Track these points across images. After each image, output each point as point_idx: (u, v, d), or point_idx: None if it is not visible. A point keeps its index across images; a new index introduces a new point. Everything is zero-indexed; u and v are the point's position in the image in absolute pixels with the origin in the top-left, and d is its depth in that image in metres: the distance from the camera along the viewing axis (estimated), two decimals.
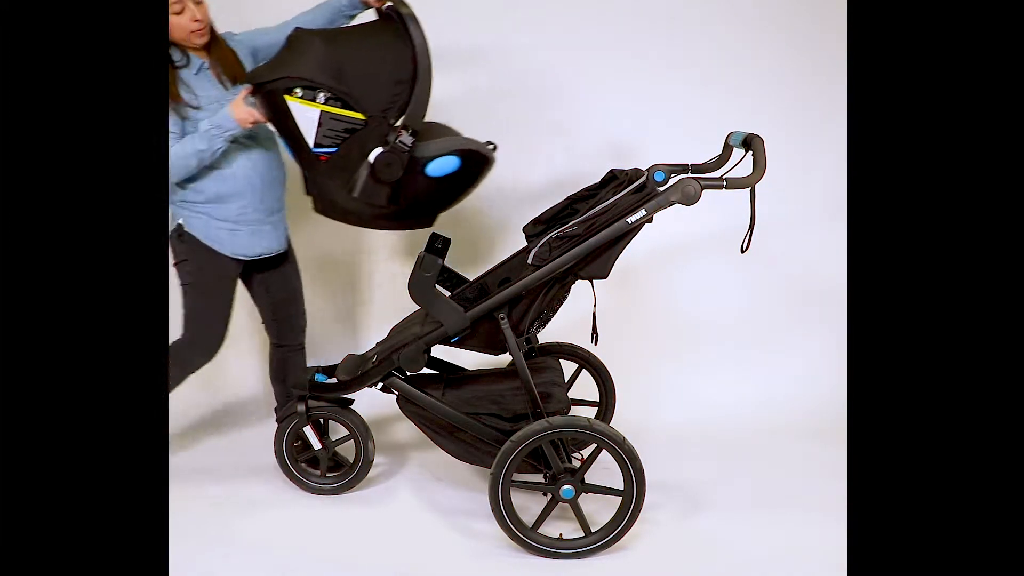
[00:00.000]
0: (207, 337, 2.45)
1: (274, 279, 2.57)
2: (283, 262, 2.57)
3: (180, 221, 2.36)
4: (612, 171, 2.33)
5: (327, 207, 2.23)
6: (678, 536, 2.21)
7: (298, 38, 2.11)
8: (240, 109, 2.17)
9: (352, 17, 2.46)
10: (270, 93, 2.05)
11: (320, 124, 2.03)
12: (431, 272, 2.16)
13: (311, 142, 2.05)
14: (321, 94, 2.01)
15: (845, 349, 2.86)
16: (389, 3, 2.19)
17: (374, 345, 2.47)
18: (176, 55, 2.26)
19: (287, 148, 2.14)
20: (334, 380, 2.40)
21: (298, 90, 2.01)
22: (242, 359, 3.21)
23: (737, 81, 3.11)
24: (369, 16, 2.41)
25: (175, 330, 2.99)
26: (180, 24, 2.19)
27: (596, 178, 2.38)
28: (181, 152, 2.20)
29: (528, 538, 2.10)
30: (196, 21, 2.20)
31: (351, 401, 2.47)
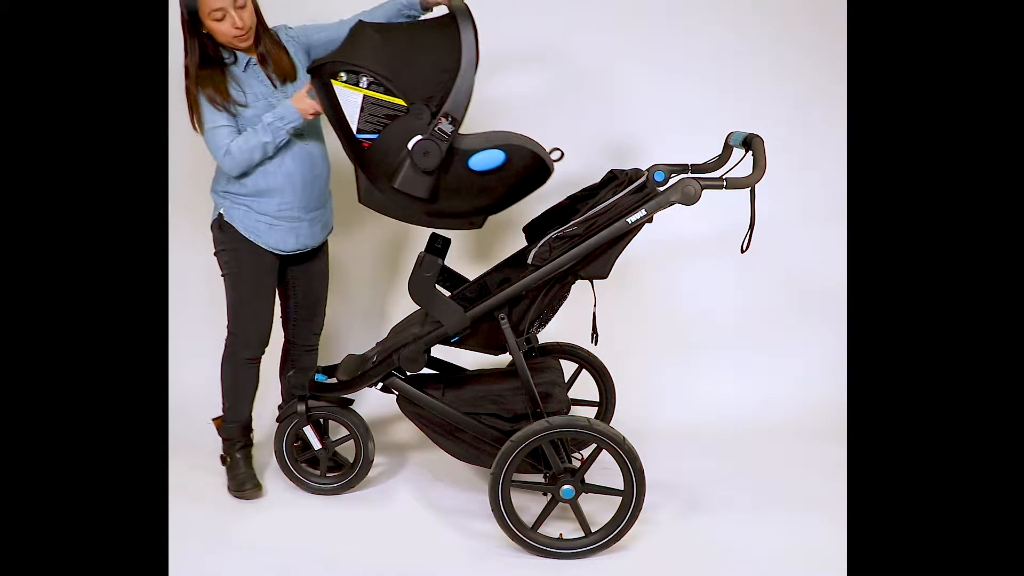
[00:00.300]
0: (248, 328, 2.45)
1: (303, 279, 2.57)
2: (316, 262, 2.57)
3: (221, 211, 2.37)
4: (612, 171, 2.33)
5: (368, 197, 2.20)
6: (678, 536, 2.21)
7: (356, 29, 2.13)
8: (302, 101, 2.20)
9: (412, 18, 2.45)
10: (320, 78, 2.06)
11: (363, 109, 2.03)
12: (431, 272, 2.16)
13: (354, 127, 2.05)
14: (364, 78, 2.01)
15: (845, 349, 2.87)
16: None
17: (374, 345, 2.47)
18: (224, 53, 2.27)
19: (338, 135, 2.14)
20: (334, 380, 2.40)
21: (343, 74, 2.02)
22: None
23: (737, 81, 3.10)
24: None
25: (175, 331, 3.00)
26: (221, 30, 2.20)
27: (596, 178, 2.38)
28: (245, 145, 2.22)
29: (528, 538, 2.10)
30: (237, 28, 2.20)
31: (351, 401, 2.47)
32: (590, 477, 2.15)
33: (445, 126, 1.99)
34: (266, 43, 2.32)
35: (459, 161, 2.07)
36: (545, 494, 2.15)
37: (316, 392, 2.40)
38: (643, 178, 2.10)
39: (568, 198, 2.38)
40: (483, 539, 2.20)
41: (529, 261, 2.12)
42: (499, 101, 3.08)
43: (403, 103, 2.02)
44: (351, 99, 2.03)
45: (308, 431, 2.45)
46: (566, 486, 2.09)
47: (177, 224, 3.03)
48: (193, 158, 3.05)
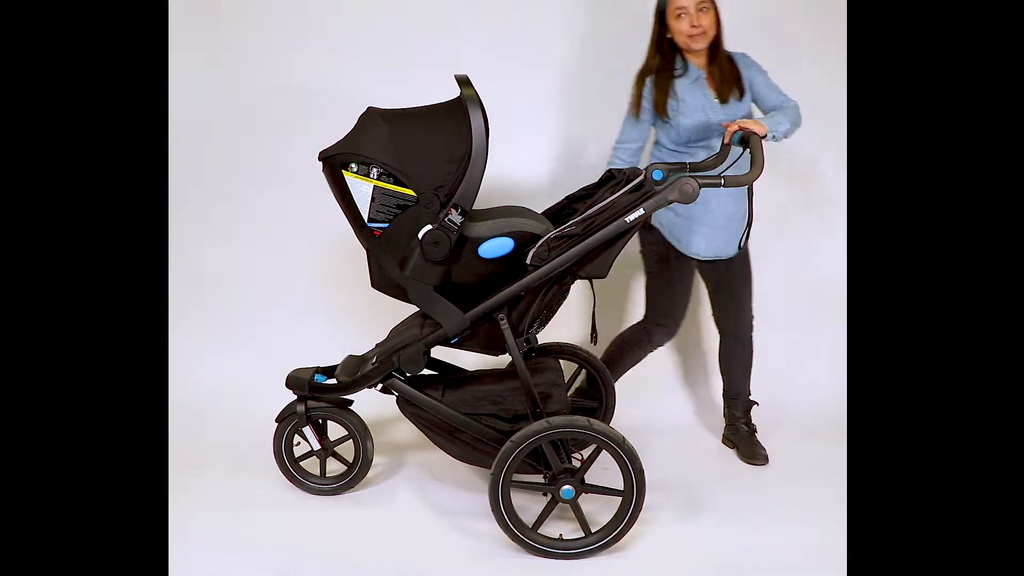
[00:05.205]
0: (667, 320, 2.66)
1: (720, 274, 2.66)
2: (739, 264, 2.65)
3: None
4: (610, 170, 2.33)
5: (381, 282, 2.25)
6: (678, 536, 2.21)
7: (366, 117, 2.16)
8: None
9: None
10: (332, 168, 2.10)
11: (373, 199, 2.07)
12: None
13: (365, 216, 2.09)
14: (374, 169, 2.05)
15: (845, 348, 2.87)
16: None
17: (374, 346, 2.47)
18: (677, 64, 2.44)
19: (349, 223, 2.17)
20: (333, 381, 2.40)
21: (353, 165, 2.06)
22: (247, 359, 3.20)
23: None
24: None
25: (175, 331, 3.00)
26: (679, 28, 2.41)
27: (594, 177, 2.38)
28: None
29: (528, 538, 2.10)
30: (693, 27, 2.39)
31: (350, 401, 2.47)
32: (590, 477, 2.15)
33: (455, 217, 2.03)
34: (722, 61, 2.48)
35: (469, 249, 2.11)
36: (545, 494, 2.15)
37: (316, 393, 2.40)
38: (641, 177, 2.10)
39: (566, 198, 2.38)
40: (483, 539, 2.20)
41: (528, 261, 2.12)
42: (499, 102, 3.08)
43: (413, 193, 2.05)
44: (362, 189, 2.07)
45: (307, 431, 2.45)
46: (566, 486, 2.09)
47: (177, 222, 3.04)
48: (197, 154, 3.06)
